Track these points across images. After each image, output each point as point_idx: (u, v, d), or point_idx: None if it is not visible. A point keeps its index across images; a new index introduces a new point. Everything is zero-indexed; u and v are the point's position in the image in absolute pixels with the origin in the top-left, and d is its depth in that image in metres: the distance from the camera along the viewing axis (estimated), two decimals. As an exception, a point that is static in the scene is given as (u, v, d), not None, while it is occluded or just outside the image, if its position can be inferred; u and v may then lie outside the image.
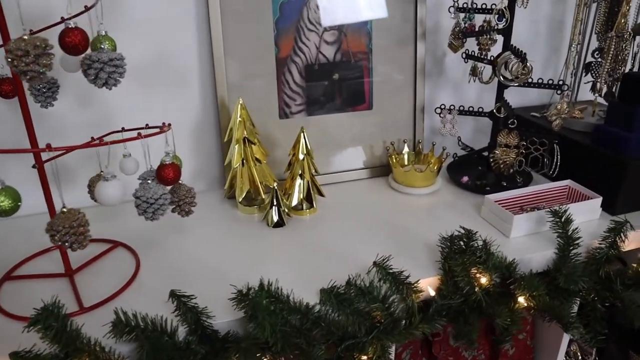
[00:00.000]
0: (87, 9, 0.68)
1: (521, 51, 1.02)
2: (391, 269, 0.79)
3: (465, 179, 1.14)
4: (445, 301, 0.80)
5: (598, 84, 1.18)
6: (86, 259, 0.89)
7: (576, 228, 0.89)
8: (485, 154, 1.17)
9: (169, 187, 0.81)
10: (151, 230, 0.96)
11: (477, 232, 0.86)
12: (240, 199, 1.03)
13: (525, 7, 1.02)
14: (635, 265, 0.92)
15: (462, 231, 0.85)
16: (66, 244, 0.64)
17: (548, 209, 0.91)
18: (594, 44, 1.21)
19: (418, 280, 0.79)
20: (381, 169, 1.19)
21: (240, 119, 0.98)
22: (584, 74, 1.26)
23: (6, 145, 0.97)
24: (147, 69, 1.04)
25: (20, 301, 0.77)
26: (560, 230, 0.90)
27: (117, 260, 0.90)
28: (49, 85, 0.83)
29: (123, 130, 0.87)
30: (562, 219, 0.90)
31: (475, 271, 0.82)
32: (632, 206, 1.03)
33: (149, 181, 0.73)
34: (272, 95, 1.08)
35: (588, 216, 1.00)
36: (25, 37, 0.61)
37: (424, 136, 1.24)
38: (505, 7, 1.03)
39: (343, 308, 0.74)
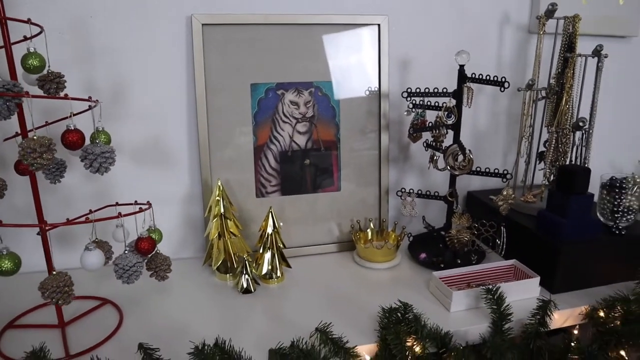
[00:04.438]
0: (90, 108, 0.86)
1: (463, 146, 1.17)
2: (332, 335, 0.91)
3: (423, 255, 1.26)
4: (380, 367, 0.91)
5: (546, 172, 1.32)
6: (77, 313, 1.03)
7: (507, 305, 1.00)
8: (443, 233, 1.29)
9: (149, 255, 0.96)
10: (137, 290, 1.09)
11: (412, 305, 0.97)
12: (215, 267, 1.17)
13: (470, 107, 1.18)
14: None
15: (399, 304, 0.97)
16: (53, 300, 0.78)
17: (484, 287, 1.03)
18: (546, 135, 1.35)
19: (355, 346, 0.90)
20: (348, 244, 1.32)
21: (218, 198, 1.13)
22: (538, 162, 1.39)
23: (21, 211, 1.15)
24: (144, 150, 1.22)
25: (18, 347, 0.90)
26: (494, 307, 1.00)
27: (104, 316, 1.03)
28: (57, 165, 0.99)
29: (117, 204, 1.03)
30: (495, 297, 1.01)
31: (410, 341, 0.93)
32: (570, 285, 1.14)
33: (126, 251, 0.88)
34: (250, 177, 1.25)
35: (528, 294, 1.11)
36: (35, 137, 0.78)
37: (390, 215, 1.38)
38: (453, 106, 1.19)
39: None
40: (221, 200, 1.14)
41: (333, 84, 1.26)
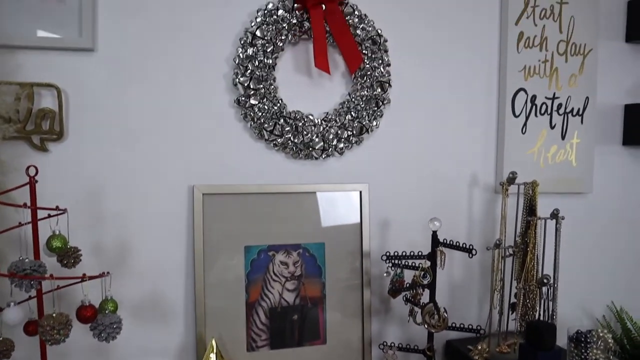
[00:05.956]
0: (100, 276, 0.97)
1: (437, 306, 1.28)
2: None
3: (405, 408, 1.31)
4: None
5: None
6: None
7: None
8: (425, 385, 1.35)
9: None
10: None
11: None
12: (206, 422, 1.21)
13: (443, 269, 1.31)
14: None
15: None
16: None
17: None
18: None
19: None
20: (334, 397, 1.38)
21: (212, 355, 1.21)
22: (510, 312, 1.49)
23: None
24: (142, 305, 1.31)
25: None
26: None
27: None
28: (62, 329, 1.08)
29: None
30: None
31: None
32: None
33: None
34: (242, 331, 1.33)
35: None
36: (54, 315, 0.88)
37: (373, 365, 1.45)
38: (428, 267, 1.31)
39: None
40: (215, 357, 1.21)
41: (319, 245, 1.39)
